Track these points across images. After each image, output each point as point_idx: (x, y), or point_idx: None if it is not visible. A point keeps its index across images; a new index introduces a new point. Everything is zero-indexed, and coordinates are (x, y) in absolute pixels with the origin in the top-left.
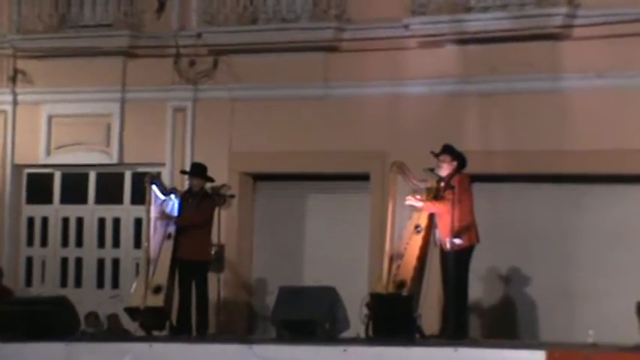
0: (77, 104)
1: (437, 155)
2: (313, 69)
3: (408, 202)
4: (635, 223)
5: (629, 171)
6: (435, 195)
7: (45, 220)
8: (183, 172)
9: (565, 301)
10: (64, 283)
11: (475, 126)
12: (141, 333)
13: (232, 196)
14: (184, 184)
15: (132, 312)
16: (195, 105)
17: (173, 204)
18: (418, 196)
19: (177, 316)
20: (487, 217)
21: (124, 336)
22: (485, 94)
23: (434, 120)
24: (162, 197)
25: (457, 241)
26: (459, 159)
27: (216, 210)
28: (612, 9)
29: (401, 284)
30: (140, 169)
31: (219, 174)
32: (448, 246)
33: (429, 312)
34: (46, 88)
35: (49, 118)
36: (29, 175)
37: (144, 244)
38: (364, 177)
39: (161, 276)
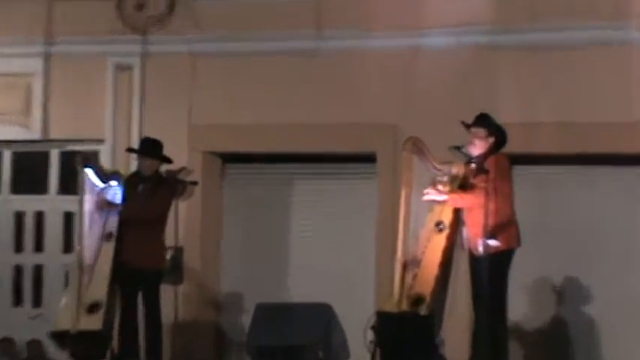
0: None
1: (469, 127)
2: (301, 14)
3: (427, 197)
4: None
5: None
6: (463, 183)
7: None
8: (129, 150)
9: (633, 322)
10: None
11: (515, 90)
12: None
13: (194, 183)
14: (130, 166)
15: (60, 337)
16: (144, 62)
17: (115, 193)
18: (440, 187)
19: (119, 342)
20: (532, 211)
21: None
22: (528, 48)
23: (461, 82)
24: (101, 184)
25: (492, 242)
26: (497, 134)
27: (173, 201)
28: None
29: (418, 300)
30: (70, 147)
31: (177, 153)
32: (480, 249)
33: (456, 336)
34: None
35: None
36: None
37: (76, 246)
38: (369, 158)
39: (98, 289)
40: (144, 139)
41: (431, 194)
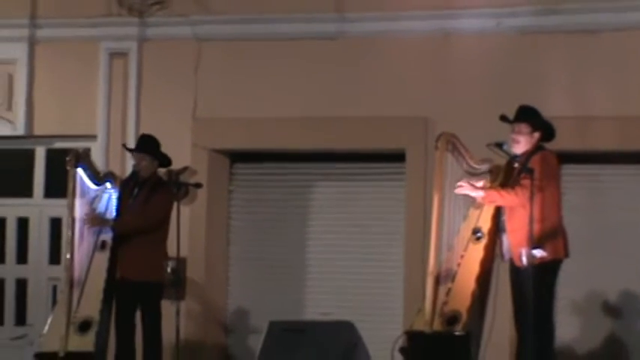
0: None
1: (510, 122)
2: None
3: (460, 190)
4: None
5: None
6: (504, 180)
7: None
8: (125, 147)
9: None
10: None
11: (565, 80)
12: None
13: (198, 186)
14: (126, 167)
15: None
16: (141, 47)
17: (109, 198)
18: (478, 183)
19: None
20: (584, 216)
21: None
22: (582, 30)
23: (501, 70)
24: (94, 187)
25: (537, 252)
26: (544, 129)
27: (175, 206)
28: None
29: (452, 318)
30: (58, 145)
31: (179, 151)
32: (523, 260)
33: (496, 358)
34: None
35: None
36: None
37: (65, 257)
38: (397, 156)
39: (91, 306)
40: (140, 136)
41: (465, 188)
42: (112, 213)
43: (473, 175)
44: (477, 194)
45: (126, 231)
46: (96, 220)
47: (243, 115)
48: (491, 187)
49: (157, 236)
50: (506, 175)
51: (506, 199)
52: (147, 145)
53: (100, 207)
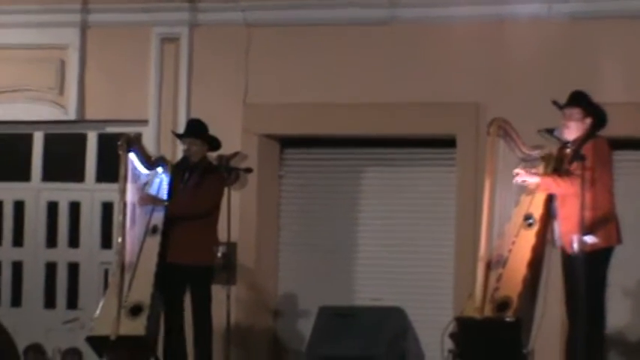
0: (14, 31)
1: (562, 108)
2: None
3: (518, 178)
4: None
5: None
6: (557, 166)
7: None
8: (175, 134)
9: None
10: None
11: (618, 66)
12: None
13: (249, 170)
14: (177, 152)
15: (98, 343)
16: (192, 33)
17: (161, 182)
18: (532, 170)
19: (164, 349)
20: (636, 203)
21: None
22: (635, 15)
23: (554, 56)
24: (145, 171)
25: (589, 239)
26: (595, 114)
27: (225, 191)
28: None
29: (503, 304)
30: (110, 130)
31: (230, 136)
32: (575, 247)
33: (547, 346)
34: None
35: None
36: None
37: (116, 241)
38: (448, 142)
39: (142, 290)
40: (189, 121)
41: (523, 175)
42: (163, 197)
43: (525, 161)
44: (533, 180)
45: (178, 214)
46: (149, 198)
47: (294, 101)
48: (545, 174)
49: (207, 221)
50: (557, 162)
51: (562, 187)
52: (196, 130)
53: (152, 191)
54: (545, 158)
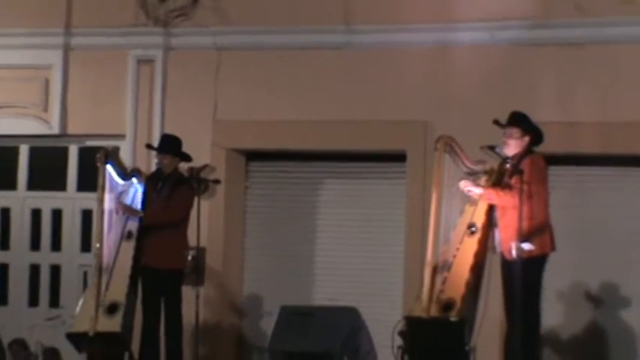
0: (2, 52)
1: (503, 127)
2: (330, 7)
3: (463, 187)
4: None
5: None
6: (497, 180)
7: None
8: (149, 147)
9: None
10: None
11: (553, 88)
12: None
13: (217, 182)
14: (151, 164)
15: (77, 339)
16: (166, 55)
17: (135, 192)
18: (477, 182)
19: (139, 346)
20: (569, 213)
21: None
22: (569, 43)
23: (495, 79)
24: (121, 182)
25: (526, 246)
26: (533, 133)
27: (195, 200)
28: None
29: (448, 305)
30: (90, 143)
31: (200, 150)
32: (513, 253)
33: (487, 344)
34: None
35: None
36: None
37: (94, 245)
38: (398, 157)
39: (118, 290)
40: (163, 136)
41: (468, 185)
42: (137, 205)
43: (469, 174)
44: (477, 191)
45: (152, 223)
46: (126, 208)
47: (259, 118)
48: (488, 186)
49: (178, 228)
50: (498, 176)
51: (503, 199)
52: (168, 146)
53: (127, 200)
54: (489, 172)
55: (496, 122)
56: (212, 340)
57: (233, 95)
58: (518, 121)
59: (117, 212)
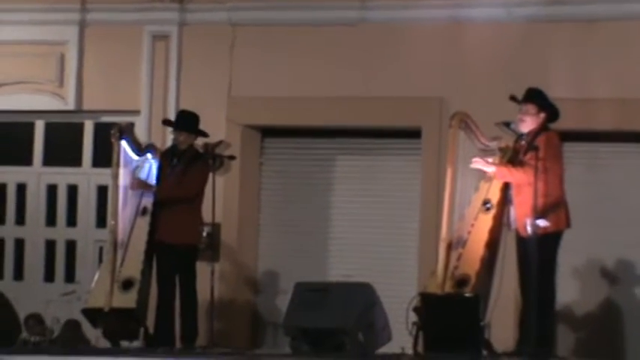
0: (18, 28)
1: (518, 102)
2: None
3: (474, 165)
4: None
5: None
6: (512, 157)
7: None
8: (165, 122)
9: None
10: None
11: (568, 65)
12: (105, 344)
13: (232, 158)
14: (166, 139)
15: (93, 315)
16: (181, 31)
17: (150, 167)
18: (490, 159)
19: (154, 321)
20: (584, 190)
21: (81, 348)
22: (584, 20)
23: (510, 56)
24: (136, 157)
25: (541, 223)
26: (548, 110)
27: (210, 176)
28: None
29: (463, 281)
30: (105, 119)
31: (215, 126)
32: (528, 230)
33: (502, 319)
34: None
35: None
36: None
37: (110, 222)
38: (413, 133)
39: (133, 266)
40: (180, 112)
41: (479, 163)
42: (152, 181)
43: (484, 151)
44: (489, 169)
45: (166, 198)
46: (140, 183)
47: (274, 94)
48: (502, 164)
49: (193, 203)
50: (513, 153)
51: (515, 176)
52: (185, 123)
53: (142, 175)
54: (502, 150)
55: (512, 98)
56: (227, 316)
57: (248, 71)
58: (535, 97)
59: (131, 187)
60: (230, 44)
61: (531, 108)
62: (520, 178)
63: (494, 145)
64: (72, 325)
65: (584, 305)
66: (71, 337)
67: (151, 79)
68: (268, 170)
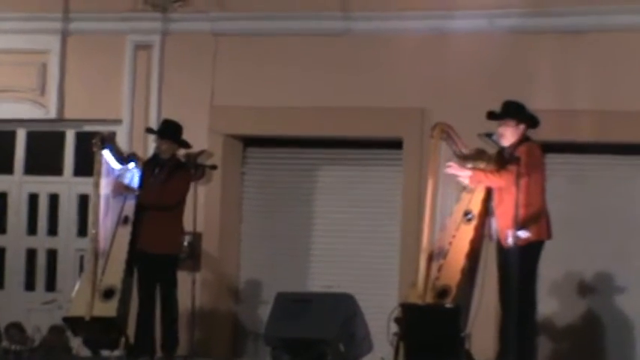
0: (1, 37)
1: (497, 117)
2: None
3: (449, 170)
4: None
5: None
6: (496, 163)
7: None
8: (148, 130)
9: None
10: None
11: (551, 76)
12: (85, 352)
13: (213, 167)
14: (148, 149)
15: (74, 323)
16: (164, 41)
17: (132, 176)
18: (469, 165)
19: (135, 331)
20: (565, 201)
21: (62, 357)
22: (567, 31)
23: (493, 67)
24: (118, 166)
25: (522, 234)
26: (528, 121)
27: (192, 185)
28: None
29: (443, 292)
30: (87, 128)
31: (197, 136)
32: (509, 241)
33: (482, 331)
34: None
35: None
36: None
37: (91, 231)
38: (395, 144)
39: (114, 275)
40: (164, 121)
41: (453, 169)
42: (135, 189)
43: (463, 159)
44: (464, 174)
45: (147, 203)
46: (122, 186)
47: (256, 104)
48: (476, 169)
49: (174, 213)
50: (497, 164)
51: (491, 179)
52: (169, 131)
53: (125, 183)
54: (479, 155)
55: (490, 115)
56: (208, 326)
57: (230, 81)
58: (513, 109)
59: (113, 194)
60: (212, 54)
61: (510, 122)
62: (496, 182)
63: (473, 155)
64: (57, 331)
65: (564, 317)
66: (56, 342)
67: (133, 89)
68: (250, 180)
